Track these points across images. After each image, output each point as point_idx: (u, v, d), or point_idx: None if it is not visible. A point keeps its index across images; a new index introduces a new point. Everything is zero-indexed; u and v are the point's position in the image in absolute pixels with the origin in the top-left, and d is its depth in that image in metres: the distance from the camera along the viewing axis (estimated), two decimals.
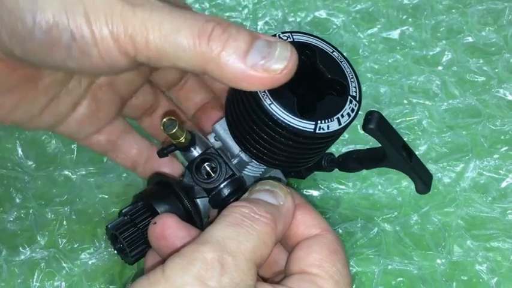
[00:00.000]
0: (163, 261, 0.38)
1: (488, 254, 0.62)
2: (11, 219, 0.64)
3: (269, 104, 0.41)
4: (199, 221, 0.50)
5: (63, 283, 0.60)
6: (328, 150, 0.51)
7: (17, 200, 0.66)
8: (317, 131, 0.42)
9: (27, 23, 0.37)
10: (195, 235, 0.43)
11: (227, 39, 0.37)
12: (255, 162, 0.49)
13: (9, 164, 0.68)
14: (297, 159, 0.46)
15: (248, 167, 0.50)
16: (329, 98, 0.44)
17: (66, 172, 0.68)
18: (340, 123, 0.43)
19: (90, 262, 0.61)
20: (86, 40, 0.37)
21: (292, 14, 0.86)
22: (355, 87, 0.45)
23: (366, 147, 0.69)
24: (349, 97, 0.44)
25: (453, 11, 0.86)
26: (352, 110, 0.44)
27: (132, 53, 0.38)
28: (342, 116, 0.43)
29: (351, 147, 0.70)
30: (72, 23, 0.37)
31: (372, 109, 0.43)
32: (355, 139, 0.71)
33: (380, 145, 0.45)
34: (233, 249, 0.37)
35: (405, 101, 0.75)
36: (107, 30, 0.37)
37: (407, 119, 0.74)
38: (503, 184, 0.67)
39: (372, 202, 0.67)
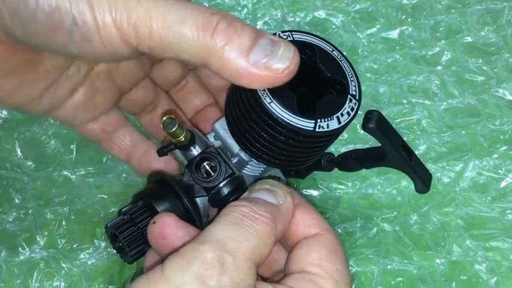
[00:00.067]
0: (162, 260, 0.38)
1: (487, 254, 0.62)
2: (10, 219, 0.64)
3: (269, 103, 0.41)
4: (198, 220, 0.50)
5: (63, 283, 0.60)
6: (328, 150, 0.51)
7: (16, 201, 0.65)
8: (317, 129, 0.42)
9: (30, 4, 0.37)
10: (194, 234, 0.43)
11: (232, 34, 0.37)
12: (255, 161, 0.49)
13: (8, 164, 0.68)
14: (297, 158, 0.46)
15: (247, 166, 0.50)
16: (329, 97, 0.44)
17: (66, 172, 0.68)
18: (339, 122, 0.43)
19: (89, 262, 0.61)
20: (87, 26, 0.37)
21: (291, 14, 0.86)
22: (354, 86, 0.45)
23: (365, 147, 0.69)
24: (349, 96, 0.44)
25: (452, 10, 0.86)
26: (352, 109, 0.44)
27: (135, 42, 0.38)
28: (342, 114, 0.43)
29: (350, 147, 0.70)
30: (74, 8, 0.37)
31: (371, 108, 0.43)
32: (355, 139, 0.71)
33: (380, 144, 0.45)
34: (233, 249, 0.37)
35: (404, 101, 0.75)
36: (110, 17, 0.37)
37: (407, 118, 0.74)
38: (503, 184, 0.68)
39: (371, 202, 0.67)
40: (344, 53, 0.46)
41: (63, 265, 0.61)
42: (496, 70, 0.78)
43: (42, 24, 0.37)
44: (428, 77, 0.78)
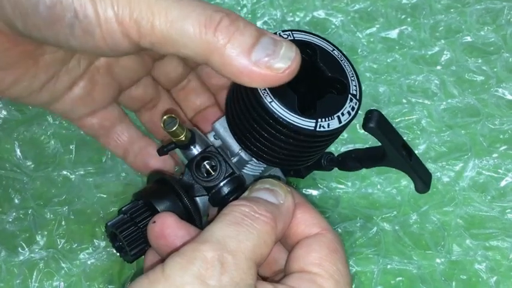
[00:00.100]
0: (162, 260, 0.38)
1: (487, 253, 0.62)
2: (10, 219, 0.64)
3: (270, 102, 0.41)
4: (198, 220, 0.50)
5: (62, 283, 0.60)
6: (327, 149, 0.51)
7: (16, 201, 0.65)
8: (317, 129, 0.42)
9: None
10: (194, 234, 0.43)
11: (234, 31, 0.37)
12: (255, 160, 0.49)
13: (7, 164, 0.68)
14: (297, 158, 0.46)
15: (248, 165, 0.50)
16: (329, 97, 0.44)
17: (65, 172, 0.68)
18: (340, 122, 0.43)
19: (89, 262, 0.61)
20: (89, 20, 0.37)
21: (291, 14, 0.86)
22: (355, 86, 0.45)
23: (365, 146, 0.69)
24: (350, 95, 0.44)
25: (452, 10, 0.86)
26: (353, 109, 0.44)
27: (136, 37, 0.38)
28: (342, 114, 0.43)
29: (350, 147, 0.70)
30: (76, 1, 0.37)
31: (371, 108, 0.43)
32: (354, 138, 0.71)
33: (379, 144, 0.45)
34: (233, 248, 0.37)
35: (404, 101, 0.75)
36: (112, 12, 0.37)
37: (406, 118, 0.74)
38: (503, 183, 0.68)
39: (371, 201, 0.67)
40: (344, 53, 0.46)
41: (63, 265, 0.61)
42: (495, 70, 0.79)
43: (43, 17, 0.37)
44: (428, 76, 0.78)
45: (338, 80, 0.45)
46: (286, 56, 0.37)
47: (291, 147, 0.44)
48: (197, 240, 0.38)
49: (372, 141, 0.69)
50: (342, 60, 0.45)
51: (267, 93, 0.42)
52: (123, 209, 0.49)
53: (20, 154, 0.69)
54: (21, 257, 0.61)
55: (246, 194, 0.44)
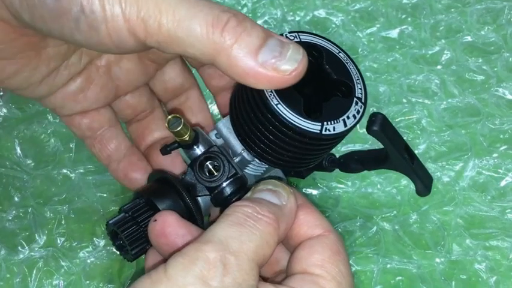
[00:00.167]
0: (164, 260, 0.38)
1: (487, 253, 0.62)
2: (10, 218, 0.64)
3: (276, 104, 0.41)
4: (200, 219, 0.49)
5: (62, 282, 0.60)
6: None
7: (16, 199, 0.65)
8: (323, 132, 0.42)
9: None
10: (195, 233, 0.43)
11: (241, 32, 0.37)
12: (257, 161, 0.49)
13: (7, 162, 0.68)
14: (301, 160, 0.46)
15: (249, 165, 0.50)
16: (335, 99, 0.44)
17: (65, 171, 0.68)
18: (346, 125, 0.43)
19: (88, 261, 0.61)
20: (95, 15, 0.37)
21: (291, 13, 0.86)
22: (360, 89, 0.45)
23: (364, 146, 0.69)
24: (355, 99, 0.44)
25: (452, 10, 0.86)
26: (358, 112, 0.44)
27: (142, 35, 0.37)
28: (348, 117, 0.43)
29: (350, 146, 0.70)
30: None
31: (374, 110, 0.43)
32: (354, 138, 0.71)
33: (381, 146, 0.44)
34: (236, 249, 0.37)
35: (404, 100, 0.76)
36: (119, 9, 0.37)
37: (407, 118, 0.74)
38: (503, 183, 0.68)
39: (371, 201, 0.67)
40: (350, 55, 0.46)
41: (63, 264, 0.61)
42: (495, 69, 0.79)
43: (50, 10, 0.37)
44: (428, 76, 0.78)
45: (344, 82, 0.44)
46: (293, 58, 0.37)
47: (295, 150, 0.44)
48: (200, 240, 0.38)
49: (371, 141, 0.69)
50: (347, 63, 0.45)
51: (273, 95, 0.41)
52: (124, 207, 0.49)
53: (20, 152, 0.69)
54: (21, 256, 0.61)
55: (248, 194, 0.44)
